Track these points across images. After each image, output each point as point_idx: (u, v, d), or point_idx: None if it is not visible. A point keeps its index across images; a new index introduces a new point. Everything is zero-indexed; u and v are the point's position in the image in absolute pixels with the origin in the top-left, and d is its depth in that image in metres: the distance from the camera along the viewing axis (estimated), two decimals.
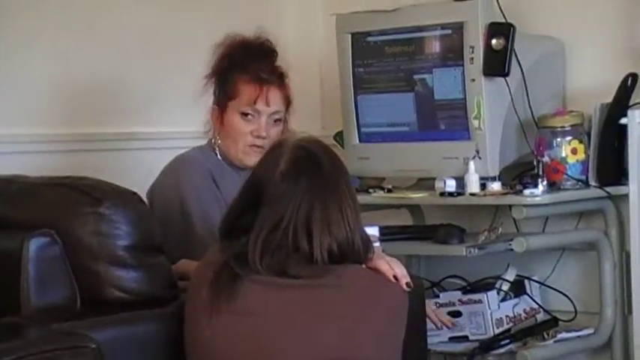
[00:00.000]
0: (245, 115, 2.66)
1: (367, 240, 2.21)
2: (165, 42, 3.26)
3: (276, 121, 2.69)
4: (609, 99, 2.95)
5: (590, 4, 3.12)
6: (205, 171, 2.64)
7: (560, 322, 3.04)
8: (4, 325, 2.14)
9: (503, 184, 2.94)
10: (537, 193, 2.84)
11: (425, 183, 3.09)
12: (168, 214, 2.59)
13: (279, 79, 2.68)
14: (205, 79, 2.71)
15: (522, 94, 2.99)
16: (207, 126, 2.75)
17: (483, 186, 2.93)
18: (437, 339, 2.96)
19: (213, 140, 2.71)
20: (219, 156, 2.69)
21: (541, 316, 3.07)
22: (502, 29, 2.91)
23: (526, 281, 3.10)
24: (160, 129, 3.24)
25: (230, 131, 2.67)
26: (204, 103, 2.74)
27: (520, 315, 3.03)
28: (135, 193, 2.28)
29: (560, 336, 2.95)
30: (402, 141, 3.10)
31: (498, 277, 3.03)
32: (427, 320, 2.63)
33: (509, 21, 2.95)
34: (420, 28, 3.03)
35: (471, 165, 2.92)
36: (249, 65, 2.66)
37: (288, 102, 2.71)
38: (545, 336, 2.95)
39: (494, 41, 2.90)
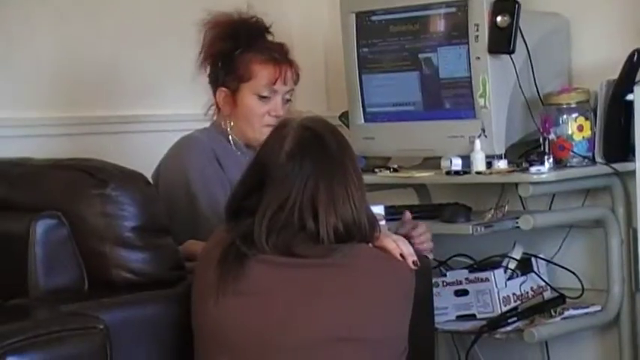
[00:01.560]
0: (262, 96, 2.65)
1: (373, 219, 2.21)
2: (166, 25, 3.25)
3: (288, 99, 2.69)
4: (615, 75, 2.94)
5: None
6: (210, 152, 2.64)
7: (567, 300, 3.04)
8: (12, 306, 2.15)
9: (509, 162, 2.93)
10: (544, 170, 2.84)
11: (431, 162, 3.09)
12: (174, 195, 2.59)
13: (288, 56, 2.68)
14: (202, 59, 2.68)
15: (528, 71, 2.98)
16: (210, 108, 2.74)
17: (489, 164, 2.92)
18: (444, 317, 2.97)
19: (223, 123, 2.69)
20: (230, 139, 2.68)
21: (548, 294, 3.07)
22: (507, 6, 2.90)
23: (533, 259, 3.10)
24: (162, 111, 3.24)
25: (245, 113, 2.66)
26: (204, 85, 2.73)
27: (527, 293, 3.04)
28: (141, 175, 2.28)
29: (567, 313, 2.95)
30: (408, 120, 3.09)
31: (505, 255, 3.03)
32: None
33: None
34: (424, 7, 3.02)
35: (477, 143, 2.91)
36: (258, 45, 2.65)
37: (297, 78, 2.71)
38: (553, 313, 2.95)
39: (499, 18, 2.89)
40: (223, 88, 2.68)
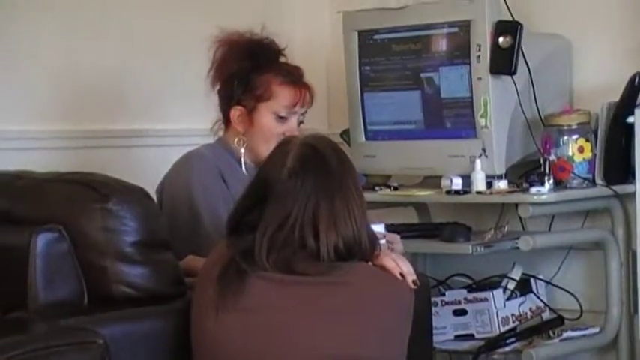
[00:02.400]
0: (280, 117, 2.66)
1: (374, 237, 2.21)
2: (172, 39, 3.26)
3: (301, 120, 2.71)
4: (616, 98, 2.95)
5: (597, 3, 3.12)
6: (214, 168, 2.64)
7: (566, 321, 3.04)
8: (11, 319, 2.14)
9: (509, 183, 2.94)
10: (544, 191, 2.84)
11: (431, 181, 3.09)
12: (177, 210, 2.60)
13: (304, 79, 2.70)
14: (213, 76, 2.69)
15: (529, 92, 2.99)
16: (216, 125, 2.74)
17: (489, 184, 2.93)
18: (442, 337, 2.97)
19: (236, 140, 2.69)
20: (242, 157, 2.68)
21: (547, 315, 3.07)
22: (509, 27, 2.91)
23: (532, 280, 3.10)
24: (167, 126, 3.24)
25: (262, 132, 2.66)
26: (211, 101, 2.74)
27: (526, 313, 3.04)
28: (142, 189, 2.28)
29: (566, 334, 2.96)
30: (409, 139, 3.10)
31: (504, 276, 3.04)
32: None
33: (516, 19, 2.95)
34: (427, 26, 3.04)
35: (478, 163, 2.92)
36: (276, 67, 2.67)
37: (312, 100, 2.72)
38: (551, 334, 2.96)
39: (501, 39, 2.90)
40: (239, 107, 2.68)
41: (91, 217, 2.21)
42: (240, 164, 2.68)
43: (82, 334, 2.05)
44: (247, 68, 2.66)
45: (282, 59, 2.72)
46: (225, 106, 2.70)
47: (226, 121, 2.71)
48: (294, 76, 2.68)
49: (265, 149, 2.65)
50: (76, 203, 2.23)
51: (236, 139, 2.68)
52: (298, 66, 2.72)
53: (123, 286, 2.22)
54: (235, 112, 2.68)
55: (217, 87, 2.70)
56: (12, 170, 2.47)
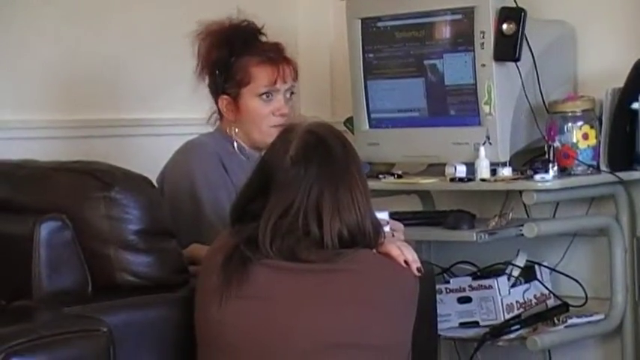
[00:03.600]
0: (265, 95, 2.66)
1: (378, 225, 2.21)
2: (171, 29, 3.25)
3: (290, 95, 2.70)
4: (620, 84, 2.94)
5: None
6: (215, 156, 2.64)
7: (570, 308, 3.04)
8: (15, 308, 2.15)
9: (513, 170, 2.93)
10: (548, 178, 2.83)
11: (435, 169, 3.09)
12: (179, 198, 2.60)
13: (284, 54, 2.69)
14: (199, 70, 2.69)
15: (533, 79, 2.98)
16: (212, 117, 2.74)
17: (494, 171, 2.92)
18: (447, 324, 2.97)
19: (228, 130, 2.69)
20: (236, 145, 2.68)
21: (551, 302, 3.07)
22: (513, 14, 2.90)
23: (536, 267, 3.09)
24: (167, 115, 3.24)
25: (250, 116, 2.67)
26: (207, 90, 2.73)
27: (530, 300, 3.03)
28: (145, 178, 2.28)
29: (570, 321, 2.95)
30: (412, 126, 3.09)
31: (509, 263, 3.03)
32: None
33: (520, 6, 2.94)
34: (430, 13, 3.02)
35: (482, 150, 2.91)
36: (253, 48, 2.66)
37: (296, 74, 2.71)
38: (556, 321, 2.95)
39: (505, 26, 2.89)
40: (225, 96, 2.69)
41: (94, 206, 2.21)
42: (240, 151, 2.68)
43: (87, 322, 2.05)
44: (226, 56, 2.66)
45: (262, 38, 2.70)
46: (215, 98, 2.70)
47: (219, 111, 2.71)
48: (271, 54, 2.66)
49: (258, 132, 2.66)
50: (79, 192, 2.23)
51: (228, 129, 2.69)
52: (277, 42, 2.70)
53: (127, 274, 2.22)
54: (223, 102, 2.69)
55: (207, 80, 2.70)
56: (14, 159, 2.47)
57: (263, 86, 2.65)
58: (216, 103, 2.71)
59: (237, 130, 2.69)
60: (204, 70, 2.69)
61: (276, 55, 2.67)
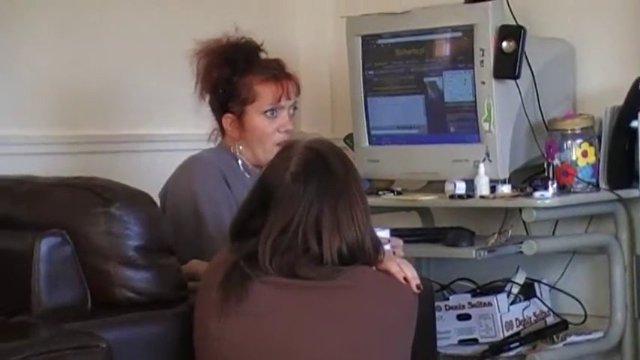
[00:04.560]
0: (270, 112, 2.66)
1: (377, 242, 2.21)
2: (174, 44, 3.25)
3: (293, 111, 2.71)
4: (620, 102, 2.95)
5: (600, 8, 3.12)
6: (218, 172, 2.65)
7: (570, 326, 3.04)
8: (14, 324, 2.14)
9: (513, 187, 2.93)
10: (547, 195, 2.84)
11: (435, 185, 3.09)
12: (181, 214, 2.60)
13: (286, 70, 2.70)
14: (200, 89, 2.69)
15: (533, 96, 2.99)
16: (213, 134, 2.74)
17: (493, 189, 2.92)
18: (446, 341, 2.97)
19: (232, 147, 2.70)
20: (240, 163, 2.68)
21: (551, 319, 3.07)
22: (513, 32, 2.91)
23: (536, 284, 3.09)
24: (167, 131, 3.24)
25: (256, 134, 2.67)
26: (208, 108, 2.74)
27: (530, 318, 3.03)
28: (145, 194, 2.29)
29: (570, 339, 2.95)
30: (412, 143, 3.10)
31: (508, 280, 3.03)
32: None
33: (519, 24, 2.95)
34: (430, 31, 3.03)
35: (481, 168, 2.92)
36: (255, 66, 2.67)
37: (299, 89, 2.72)
38: (555, 339, 2.95)
39: (504, 44, 2.90)
40: (228, 114, 2.69)
41: (94, 222, 2.21)
42: (244, 168, 2.68)
43: (86, 338, 2.05)
44: (228, 74, 2.67)
45: (262, 55, 2.71)
46: (217, 116, 2.71)
47: (222, 129, 2.71)
48: (274, 70, 2.67)
49: (262, 150, 2.66)
50: (79, 208, 2.24)
51: (232, 147, 2.69)
52: (277, 59, 2.71)
53: (126, 290, 2.22)
54: (227, 121, 2.69)
55: (207, 98, 2.71)
56: (14, 175, 2.47)
57: (268, 104, 2.66)
58: (219, 121, 2.71)
59: (241, 147, 2.69)
60: (205, 89, 2.70)
61: (279, 72, 2.68)
